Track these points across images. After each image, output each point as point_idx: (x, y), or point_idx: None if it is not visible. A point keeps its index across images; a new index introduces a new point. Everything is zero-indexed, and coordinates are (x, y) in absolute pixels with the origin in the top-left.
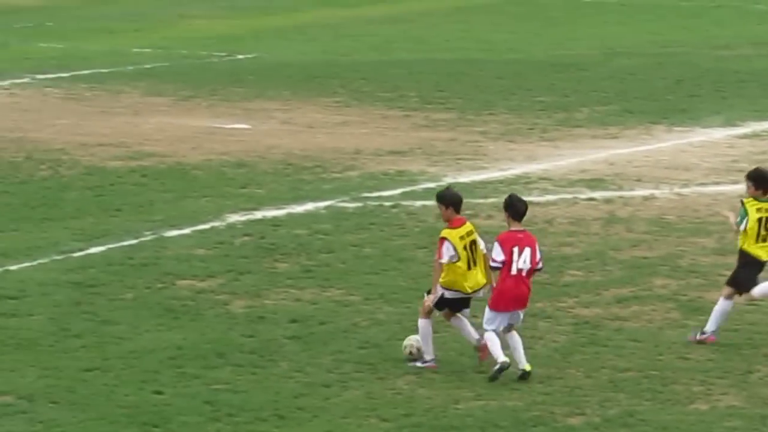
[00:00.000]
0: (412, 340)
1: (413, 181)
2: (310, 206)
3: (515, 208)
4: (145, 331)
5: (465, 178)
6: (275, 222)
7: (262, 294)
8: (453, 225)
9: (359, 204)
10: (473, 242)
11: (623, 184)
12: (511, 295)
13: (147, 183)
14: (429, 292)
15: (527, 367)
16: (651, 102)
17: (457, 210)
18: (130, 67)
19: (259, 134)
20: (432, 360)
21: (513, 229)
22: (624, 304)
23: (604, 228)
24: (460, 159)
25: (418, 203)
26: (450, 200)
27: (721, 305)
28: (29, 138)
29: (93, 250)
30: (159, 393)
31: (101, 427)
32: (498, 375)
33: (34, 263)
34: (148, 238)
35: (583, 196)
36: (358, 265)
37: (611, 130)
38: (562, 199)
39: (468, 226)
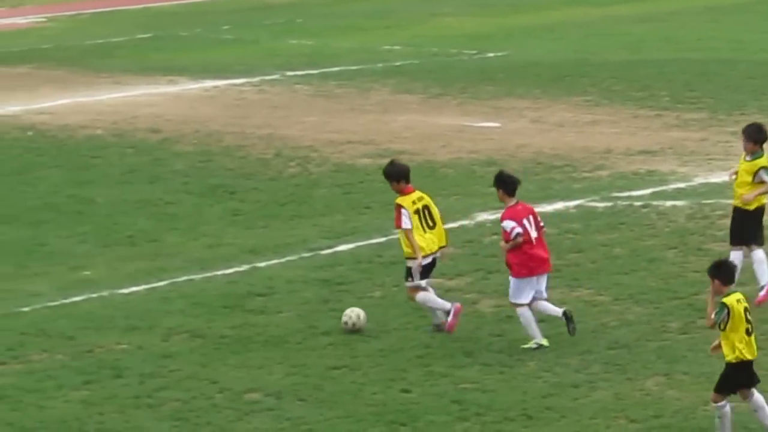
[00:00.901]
0: (353, 312)
1: (663, 181)
2: (559, 205)
3: (509, 185)
4: (393, 329)
5: (716, 178)
6: None
7: None
8: (405, 193)
9: (609, 203)
10: (426, 207)
11: None
12: (535, 260)
13: None
14: (406, 275)
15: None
16: None
17: (408, 180)
18: (380, 65)
19: (509, 133)
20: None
21: (510, 204)
22: None
23: None
24: (711, 159)
25: (669, 203)
26: (397, 175)
27: None
28: (278, 135)
29: (341, 247)
30: (406, 391)
31: (348, 425)
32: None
33: (283, 260)
34: (396, 236)
35: None
36: (607, 265)
37: None
38: None
39: (419, 193)
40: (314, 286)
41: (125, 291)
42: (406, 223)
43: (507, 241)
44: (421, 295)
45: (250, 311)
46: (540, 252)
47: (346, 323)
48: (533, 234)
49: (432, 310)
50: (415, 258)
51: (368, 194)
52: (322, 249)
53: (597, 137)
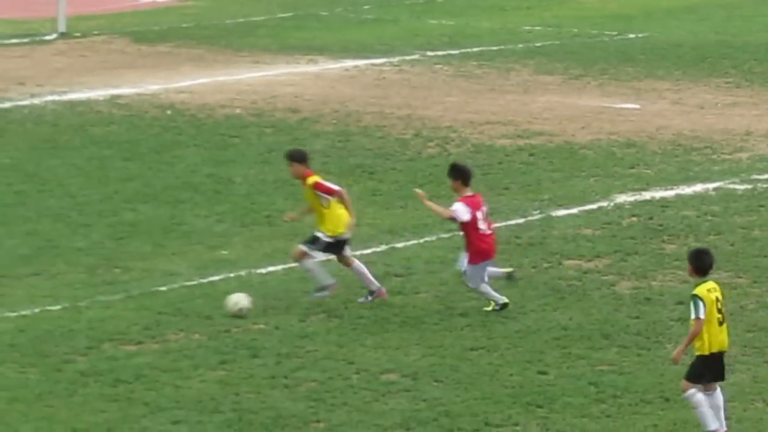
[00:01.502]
0: (240, 298)
1: None
2: (699, 187)
3: (464, 175)
4: (530, 310)
5: None
6: (663, 203)
7: (648, 275)
8: (309, 174)
9: (749, 186)
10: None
11: None
12: (486, 248)
13: (535, 162)
14: (311, 241)
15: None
16: None
17: (307, 162)
18: (520, 45)
19: (649, 114)
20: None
21: (467, 194)
22: None
23: None
24: None
25: None
26: (298, 157)
27: None
28: (418, 115)
29: None
30: (543, 373)
31: (485, 406)
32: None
33: (421, 241)
34: (536, 217)
35: None
36: (746, 247)
37: None
38: None
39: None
40: (452, 267)
41: (263, 271)
42: (334, 197)
43: (452, 219)
44: (309, 262)
45: (387, 292)
46: (491, 242)
47: (240, 309)
48: (482, 225)
49: (315, 277)
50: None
51: (507, 175)
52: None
53: (737, 119)
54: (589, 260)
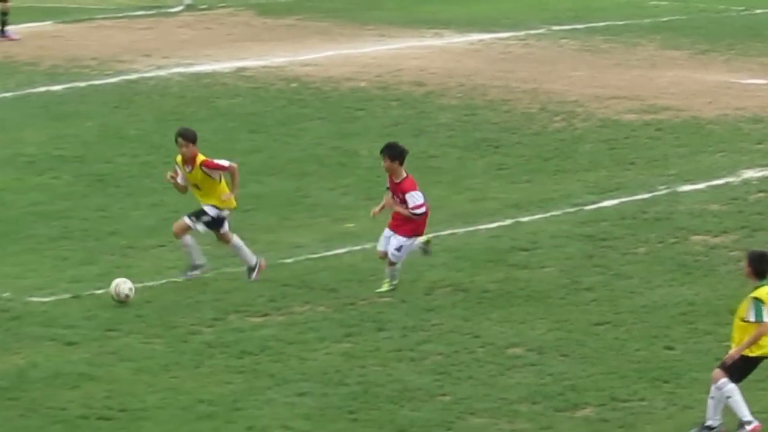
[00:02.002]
0: (124, 286)
1: None
2: None
3: (404, 155)
4: (657, 286)
5: None
6: None
7: None
8: (197, 153)
9: None
10: None
11: None
12: (423, 226)
13: (661, 137)
14: (196, 215)
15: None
16: None
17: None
18: (647, 20)
19: None
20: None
21: (406, 176)
22: None
23: None
24: None
25: None
26: (192, 137)
27: None
28: (543, 89)
29: (605, 203)
30: (670, 348)
31: (611, 381)
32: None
33: (547, 215)
34: (662, 192)
35: None
36: None
37: None
38: None
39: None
40: (578, 241)
41: None
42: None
43: (410, 208)
44: (189, 239)
45: (513, 266)
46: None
47: (128, 296)
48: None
49: (190, 254)
50: (222, 210)
51: (633, 150)
52: (586, 204)
53: None
54: (716, 236)
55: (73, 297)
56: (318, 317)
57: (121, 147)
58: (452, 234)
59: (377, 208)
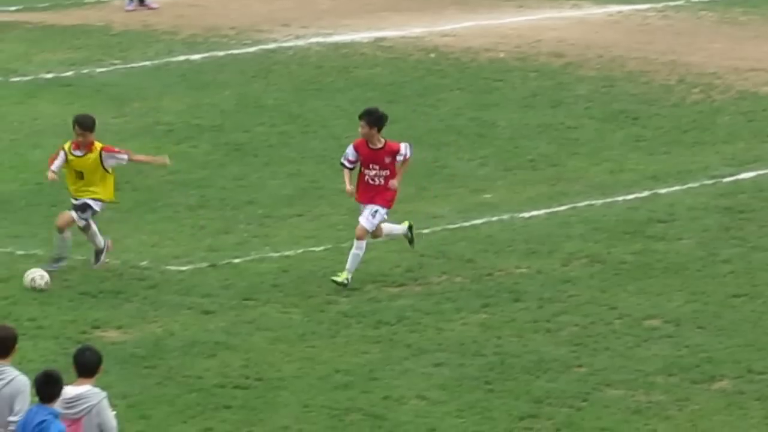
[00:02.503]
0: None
1: None
2: None
3: (384, 122)
4: None
5: None
6: None
7: None
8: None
9: None
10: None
11: None
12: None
13: None
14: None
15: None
16: None
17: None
18: None
19: None
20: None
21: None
22: None
23: None
24: None
25: None
26: (92, 125)
27: None
28: (682, 61)
29: (743, 175)
30: None
31: (748, 353)
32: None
33: (684, 187)
34: None
35: None
36: None
37: None
38: None
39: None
40: (715, 213)
41: (525, 215)
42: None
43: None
44: (94, 227)
45: (650, 237)
46: None
47: (41, 285)
48: None
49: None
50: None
51: None
52: (724, 176)
53: None
54: None
55: (210, 266)
56: (455, 288)
57: (259, 116)
58: (590, 205)
59: (348, 186)
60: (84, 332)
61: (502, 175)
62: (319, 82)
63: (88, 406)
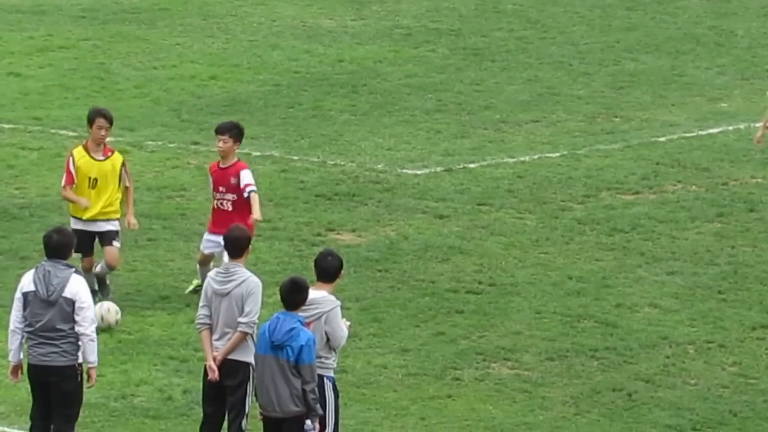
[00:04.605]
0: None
1: None
2: None
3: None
4: None
5: None
6: None
7: None
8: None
9: None
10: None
11: None
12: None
13: None
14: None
15: None
16: None
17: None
18: None
19: None
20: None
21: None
22: None
23: None
24: None
25: None
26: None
27: None
28: None
29: None
30: None
31: None
32: None
33: None
34: None
35: None
36: None
37: None
38: None
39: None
40: None
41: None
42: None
43: (244, 185)
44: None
45: None
46: None
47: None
48: None
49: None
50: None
51: None
52: None
53: None
54: None
55: (446, 170)
56: (689, 196)
57: (497, 21)
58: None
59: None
60: (318, 234)
61: (739, 84)
62: None
63: (318, 312)
